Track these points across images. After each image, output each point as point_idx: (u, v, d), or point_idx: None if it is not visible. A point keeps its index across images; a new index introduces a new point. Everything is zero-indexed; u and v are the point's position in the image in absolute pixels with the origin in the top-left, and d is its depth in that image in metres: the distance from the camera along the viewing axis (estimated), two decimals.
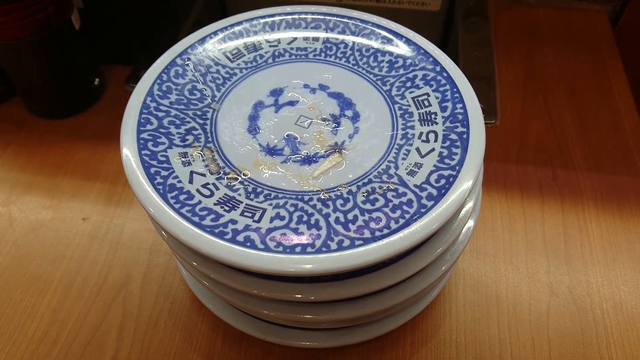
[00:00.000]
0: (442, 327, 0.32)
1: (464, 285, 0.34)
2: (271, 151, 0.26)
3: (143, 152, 0.25)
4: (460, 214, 0.26)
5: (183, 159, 0.25)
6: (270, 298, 0.25)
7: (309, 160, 0.26)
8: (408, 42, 0.30)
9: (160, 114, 0.27)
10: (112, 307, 0.33)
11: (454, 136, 0.26)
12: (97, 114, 0.45)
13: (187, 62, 0.29)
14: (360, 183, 0.25)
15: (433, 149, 0.25)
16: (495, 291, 0.34)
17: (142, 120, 0.27)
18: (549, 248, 0.36)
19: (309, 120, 0.28)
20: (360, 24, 0.31)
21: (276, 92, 0.29)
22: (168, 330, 0.32)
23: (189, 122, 0.27)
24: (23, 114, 0.45)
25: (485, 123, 0.43)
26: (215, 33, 0.31)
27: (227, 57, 0.30)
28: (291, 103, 0.29)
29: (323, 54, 0.31)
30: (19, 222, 0.38)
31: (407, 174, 0.25)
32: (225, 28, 0.31)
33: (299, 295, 0.24)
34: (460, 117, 0.26)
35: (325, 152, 0.26)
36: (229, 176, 0.25)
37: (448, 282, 0.34)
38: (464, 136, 0.26)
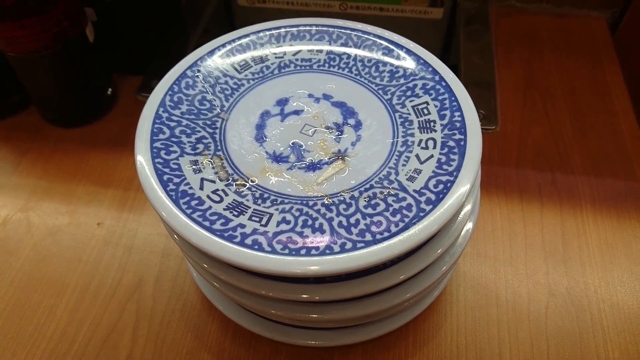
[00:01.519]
0: (443, 327, 0.33)
1: (465, 286, 0.35)
2: (277, 158, 0.28)
3: (156, 160, 0.27)
4: (459, 217, 0.28)
5: (194, 167, 0.27)
6: (277, 298, 0.26)
7: (313, 167, 0.27)
8: (408, 52, 0.32)
9: (172, 124, 0.28)
10: (126, 309, 0.35)
11: (452, 143, 0.27)
12: (110, 123, 0.47)
13: (197, 74, 0.31)
14: (362, 188, 0.26)
15: (432, 156, 0.27)
16: (495, 292, 0.35)
17: (155, 130, 0.28)
18: (547, 250, 0.37)
19: (314, 129, 0.29)
20: (362, 35, 0.33)
21: (282, 102, 0.30)
22: (180, 330, 0.34)
23: (199, 132, 0.28)
24: (39, 123, 0.47)
25: (486, 128, 0.44)
26: (223, 45, 0.32)
27: (235, 69, 0.32)
28: (296, 112, 0.30)
29: (327, 65, 0.32)
30: (37, 227, 0.39)
31: (407, 179, 0.26)
32: (233, 40, 0.33)
33: (305, 296, 0.25)
34: (458, 124, 0.28)
35: (329, 159, 0.28)
36: (237, 183, 0.26)
37: (449, 284, 0.35)
38: (462, 143, 0.27)
